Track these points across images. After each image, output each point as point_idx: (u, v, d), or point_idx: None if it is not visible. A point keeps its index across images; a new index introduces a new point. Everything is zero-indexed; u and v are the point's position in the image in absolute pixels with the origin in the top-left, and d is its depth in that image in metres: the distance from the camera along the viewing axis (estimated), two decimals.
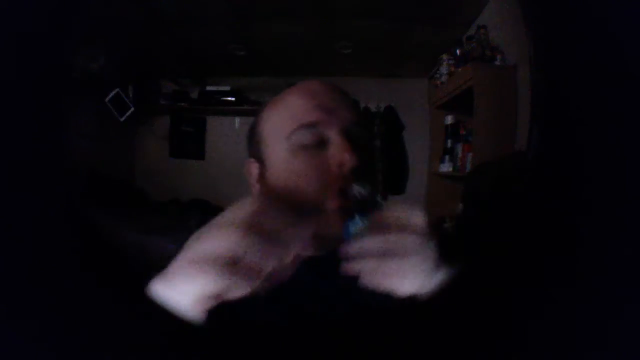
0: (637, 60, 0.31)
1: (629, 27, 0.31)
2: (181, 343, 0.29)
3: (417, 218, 0.32)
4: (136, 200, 2.60)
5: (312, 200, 0.40)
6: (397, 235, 0.31)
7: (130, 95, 2.49)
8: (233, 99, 2.63)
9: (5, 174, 0.31)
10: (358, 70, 2.51)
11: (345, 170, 0.39)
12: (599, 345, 0.31)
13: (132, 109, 2.44)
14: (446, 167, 2.03)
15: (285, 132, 0.42)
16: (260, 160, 0.46)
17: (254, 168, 0.47)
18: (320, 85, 0.45)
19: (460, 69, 1.79)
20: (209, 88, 2.67)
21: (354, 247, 0.32)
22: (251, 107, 2.57)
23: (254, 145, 0.47)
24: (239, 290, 0.27)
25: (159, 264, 0.28)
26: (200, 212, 2.39)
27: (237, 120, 2.76)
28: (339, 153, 0.40)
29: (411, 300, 0.32)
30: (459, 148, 1.89)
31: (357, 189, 0.36)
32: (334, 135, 0.41)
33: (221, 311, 0.28)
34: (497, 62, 1.53)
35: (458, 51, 1.83)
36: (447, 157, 2.05)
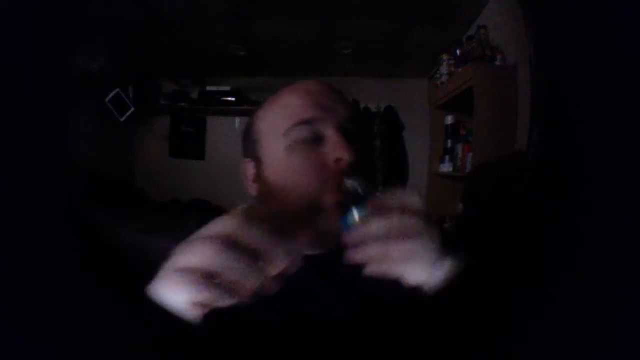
0: (637, 60, 0.31)
1: (629, 27, 0.31)
2: (181, 343, 0.29)
3: (416, 201, 0.32)
4: (136, 200, 2.59)
5: (309, 197, 0.40)
6: (399, 218, 0.31)
7: (130, 95, 2.49)
8: (233, 99, 2.63)
9: (6, 174, 0.31)
10: (358, 70, 2.50)
11: (342, 166, 0.40)
12: (599, 345, 0.31)
13: (132, 109, 2.44)
14: (446, 167, 2.03)
15: (282, 129, 0.43)
16: (257, 160, 0.46)
17: (250, 168, 0.47)
18: (315, 85, 0.46)
19: (460, 69, 1.79)
20: (209, 88, 2.67)
21: (357, 233, 0.32)
22: (251, 107, 2.56)
23: (249, 145, 0.48)
24: (224, 302, 0.26)
25: (159, 264, 0.28)
26: (200, 212, 2.39)
27: (237, 120, 2.76)
28: (335, 149, 0.41)
29: (414, 297, 0.32)
30: (459, 148, 1.89)
31: (350, 183, 0.36)
32: (329, 132, 0.42)
33: (220, 312, 0.28)
34: (497, 62, 1.53)
35: (458, 51, 1.83)
36: (447, 157, 2.04)
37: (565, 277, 0.32)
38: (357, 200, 0.34)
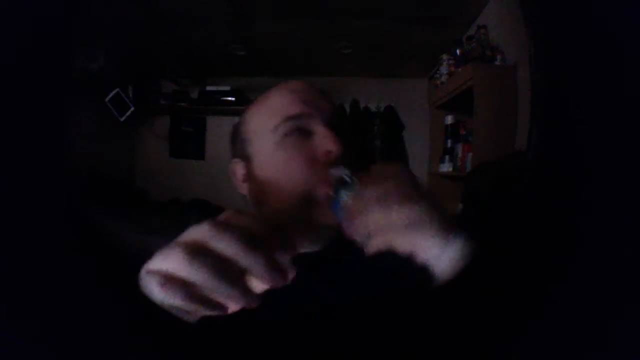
0: (637, 60, 0.31)
1: (629, 27, 0.31)
2: (181, 343, 0.29)
3: (407, 171, 0.31)
4: (136, 200, 2.59)
5: (302, 191, 0.40)
6: (394, 182, 0.29)
7: (130, 95, 2.49)
8: (233, 99, 2.63)
9: (6, 174, 0.31)
10: (358, 70, 2.50)
11: (332, 158, 0.40)
12: (599, 345, 0.31)
13: (132, 109, 2.44)
14: (446, 167, 2.03)
15: (271, 126, 0.43)
16: (246, 159, 0.46)
17: (239, 168, 0.48)
18: (300, 84, 0.48)
19: (460, 69, 1.79)
20: (209, 88, 2.67)
21: (355, 205, 0.30)
22: None
23: (238, 145, 0.48)
24: (204, 312, 0.25)
25: None
26: (200, 212, 2.39)
27: (237, 120, 2.75)
28: (325, 142, 0.41)
29: (413, 294, 0.32)
30: (459, 148, 1.89)
31: (335, 171, 0.36)
32: (318, 126, 0.43)
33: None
34: (497, 62, 1.53)
35: (458, 51, 1.83)
36: (447, 157, 2.05)
37: (565, 277, 0.32)
38: (346, 186, 0.34)
